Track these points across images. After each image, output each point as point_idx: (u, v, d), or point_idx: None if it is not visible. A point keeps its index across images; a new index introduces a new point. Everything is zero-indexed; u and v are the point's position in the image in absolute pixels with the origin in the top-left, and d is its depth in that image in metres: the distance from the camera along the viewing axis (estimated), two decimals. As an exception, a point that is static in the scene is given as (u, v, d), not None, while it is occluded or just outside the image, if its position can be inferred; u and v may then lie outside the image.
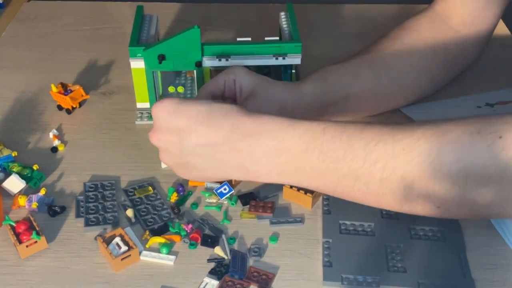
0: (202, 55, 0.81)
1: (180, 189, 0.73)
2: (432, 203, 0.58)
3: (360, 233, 0.68)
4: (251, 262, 0.65)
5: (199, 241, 0.67)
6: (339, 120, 0.78)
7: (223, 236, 0.67)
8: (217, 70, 0.86)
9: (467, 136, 0.56)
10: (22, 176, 0.73)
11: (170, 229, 0.68)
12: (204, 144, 0.62)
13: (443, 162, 0.56)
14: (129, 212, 0.70)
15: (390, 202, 0.60)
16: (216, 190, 0.72)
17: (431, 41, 0.83)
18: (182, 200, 0.72)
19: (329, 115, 0.78)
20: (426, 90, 0.86)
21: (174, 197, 0.72)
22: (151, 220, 0.70)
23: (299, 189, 0.71)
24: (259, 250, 0.66)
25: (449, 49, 0.84)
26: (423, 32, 0.83)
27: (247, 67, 0.86)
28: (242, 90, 0.72)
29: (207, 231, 0.68)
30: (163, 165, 0.77)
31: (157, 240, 0.67)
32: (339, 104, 0.78)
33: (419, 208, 0.59)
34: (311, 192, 0.70)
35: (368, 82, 0.79)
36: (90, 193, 0.73)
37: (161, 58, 0.80)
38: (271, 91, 0.72)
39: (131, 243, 0.65)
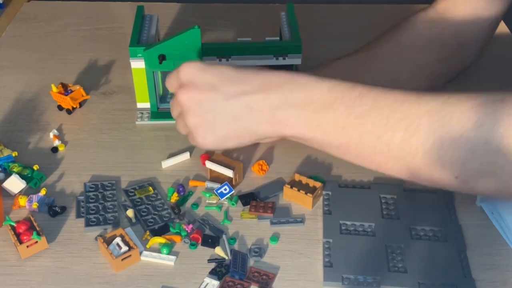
0: (202, 55, 0.81)
1: (181, 189, 0.73)
2: (451, 171, 0.57)
3: (361, 233, 0.68)
4: (251, 262, 0.65)
5: (200, 241, 0.67)
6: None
7: (224, 236, 0.67)
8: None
9: (490, 103, 0.55)
10: (23, 176, 0.73)
11: (171, 229, 0.68)
12: (236, 94, 0.64)
13: (464, 128, 0.55)
14: (130, 213, 0.70)
15: (409, 167, 0.59)
16: (217, 190, 0.72)
17: (429, 39, 0.83)
18: (182, 200, 0.72)
19: None
20: (424, 89, 0.85)
21: (174, 197, 0.72)
22: (152, 220, 0.70)
23: (299, 189, 0.71)
24: (259, 250, 0.66)
25: (448, 47, 0.84)
26: (421, 30, 0.83)
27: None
28: None
29: (207, 231, 0.68)
30: (164, 165, 0.77)
31: (158, 240, 0.67)
32: None
33: (437, 177, 0.59)
34: (312, 192, 0.70)
35: (363, 79, 0.79)
36: (91, 193, 0.73)
37: (162, 58, 0.80)
38: None
39: (131, 243, 0.65)
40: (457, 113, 0.56)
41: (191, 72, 0.65)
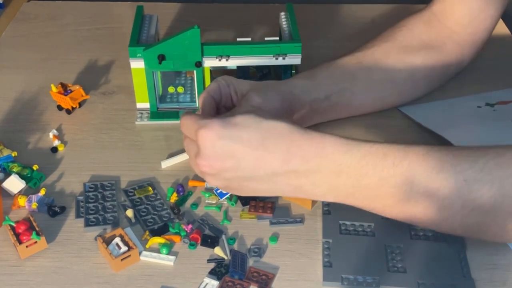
0: (202, 55, 0.81)
1: (180, 189, 0.73)
2: (491, 233, 0.60)
3: (360, 233, 0.68)
4: (251, 262, 0.65)
5: (199, 241, 0.67)
6: (331, 117, 0.80)
7: (223, 236, 0.67)
8: (217, 70, 0.86)
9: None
10: (22, 176, 0.73)
11: (170, 229, 0.68)
12: (261, 169, 0.60)
13: (506, 194, 0.57)
14: (129, 213, 0.70)
15: (447, 229, 0.62)
16: (216, 191, 0.72)
17: (425, 39, 0.83)
18: (182, 200, 0.72)
19: (322, 110, 0.78)
20: (421, 89, 0.86)
21: (174, 197, 0.72)
22: (151, 220, 0.70)
23: None
24: (259, 251, 0.66)
25: (444, 48, 0.84)
26: (417, 30, 0.84)
27: (247, 67, 0.86)
28: (237, 91, 0.71)
29: (207, 231, 0.68)
30: (163, 165, 0.77)
31: (157, 240, 0.67)
32: (331, 99, 0.78)
33: (475, 235, 0.62)
34: None
35: (360, 77, 0.80)
36: (90, 193, 0.73)
37: (161, 58, 0.80)
38: (266, 91, 0.72)
39: (131, 244, 0.65)
40: (497, 182, 0.57)
41: (208, 140, 0.60)
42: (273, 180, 0.61)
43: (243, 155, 0.60)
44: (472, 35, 0.84)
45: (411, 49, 0.82)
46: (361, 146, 0.60)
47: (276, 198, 0.72)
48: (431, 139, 0.79)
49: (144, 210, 0.71)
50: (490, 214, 0.58)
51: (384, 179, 0.59)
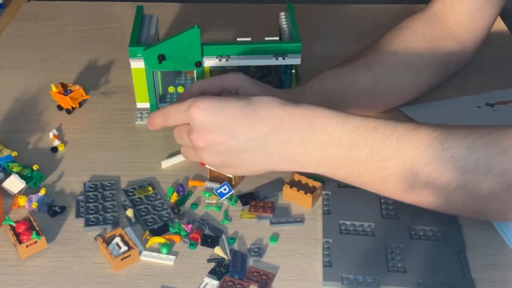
0: (202, 55, 0.81)
1: (180, 189, 0.73)
2: (472, 209, 0.61)
3: (360, 233, 0.68)
4: (251, 262, 0.65)
5: (199, 241, 0.67)
6: None
7: (223, 236, 0.67)
8: (217, 70, 0.86)
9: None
10: (22, 176, 0.73)
11: (170, 229, 0.68)
12: (253, 138, 0.62)
13: (490, 172, 0.58)
14: (129, 212, 0.70)
15: (431, 203, 0.62)
16: (216, 190, 0.72)
17: (428, 39, 0.83)
18: (182, 200, 0.72)
19: None
20: (424, 89, 0.86)
21: (174, 197, 0.72)
22: (151, 220, 0.70)
23: (299, 189, 0.71)
24: (259, 250, 0.66)
25: (446, 47, 0.84)
26: (419, 31, 0.84)
27: (247, 67, 0.86)
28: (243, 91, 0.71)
29: (207, 231, 0.68)
30: (163, 165, 0.77)
31: (157, 240, 0.67)
32: (338, 107, 0.78)
33: (458, 211, 0.64)
34: (311, 192, 0.70)
35: (367, 84, 0.80)
36: (90, 193, 0.73)
37: (161, 58, 0.80)
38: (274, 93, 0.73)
39: (131, 243, 0.65)
40: (482, 159, 0.58)
41: (200, 114, 0.62)
42: (266, 149, 0.62)
43: (235, 125, 0.62)
44: (472, 33, 0.85)
45: (415, 50, 0.82)
46: (353, 118, 0.62)
47: (276, 197, 0.72)
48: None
49: (144, 210, 0.71)
50: (473, 192, 0.59)
51: (374, 152, 0.61)
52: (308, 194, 0.70)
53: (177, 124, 0.66)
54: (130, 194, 0.73)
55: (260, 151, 0.63)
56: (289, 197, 0.72)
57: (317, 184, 0.72)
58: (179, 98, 0.71)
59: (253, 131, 0.62)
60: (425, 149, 0.59)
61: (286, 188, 0.72)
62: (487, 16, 0.84)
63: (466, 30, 0.84)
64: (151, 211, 0.71)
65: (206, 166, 0.74)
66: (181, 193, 0.73)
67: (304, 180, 0.73)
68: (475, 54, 0.88)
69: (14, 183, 0.72)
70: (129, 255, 0.64)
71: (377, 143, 0.61)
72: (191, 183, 0.75)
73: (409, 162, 0.60)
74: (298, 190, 0.71)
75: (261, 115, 0.62)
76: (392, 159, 0.60)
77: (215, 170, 0.69)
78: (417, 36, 0.83)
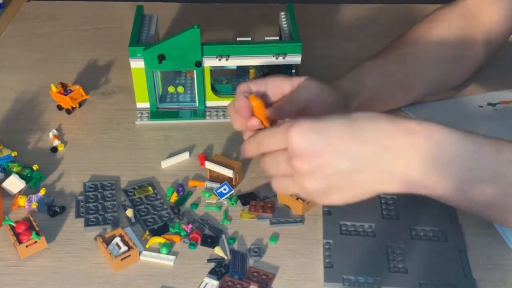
0: (202, 55, 0.81)
1: (180, 189, 0.73)
2: None
3: (361, 233, 0.68)
4: (251, 262, 0.65)
5: (199, 241, 0.67)
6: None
7: (223, 236, 0.67)
8: (217, 70, 0.86)
9: None
10: (22, 176, 0.73)
11: (170, 229, 0.68)
12: (364, 156, 0.56)
13: None
14: (129, 212, 0.70)
15: None
16: (216, 190, 0.72)
17: (460, 33, 0.84)
18: (182, 200, 0.72)
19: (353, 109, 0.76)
20: (453, 82, 0.87)
21: (174, 197, 0.72)
22: (151, 220, 0.69)
23: (291, 194, 0.70)
24: (259, 250, 0.66)
25: (476, 43, 0.85)
26: (453, 25, 0.84)
27: (247, 67, 0.86)
28: (308, 103, 0.66)
29: (207, 231, 0.68)
30: (163, 165, 0.77)
31: (157, 240, 0.66)
32: (375, 100, 0.78)
33: None
34: (303, 198, 0.69)
35: (403, 77, 0.80)
36: (90, 193, 0.73)
37: (161, 58, 0.80)
38: (325, 97, 0.69)
39: (131, 243, 0.64)
40: None
41: (301, 138, 0.56)
42: (377, 168, 0.56)
43: (343, 144, 0.56)
44: (501, 32, 0.85)
45: (448, 44, 0.83)
46: (473, 136, 0.56)
47: (276, 198, 0.72)
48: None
49: (144, 210, 0.71)
50: None
51: (498, 175, 0.56)
52: (299, 200, 0.69)
53: (272, 150, 0.60)
54: (130, 194, 0.73)
55: (372, 171, 0.56)
56: (283, 200, 0.72)
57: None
58: (231, 106, 0.66)
59: (363, 149, 0.56)
60: None
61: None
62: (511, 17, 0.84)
63: (496, 28, 0.84)
64: (151, 211, 0.71)
65: (206, 166, 0.74)
66: (181, 193, 0.73)
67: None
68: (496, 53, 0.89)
69: (14, 183, 0.72)
70: (129, 255, 0.64)
71: (501, 166, 0.55)
72: (191, 183, 0.74)
73: None
74: (291, 195, 0.70)
75: (370, 131, 0.56)
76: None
77: (315, 201, 0.62)
78: (450, 30, 0.83)
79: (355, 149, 0.56)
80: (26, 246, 0.64)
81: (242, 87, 0.65)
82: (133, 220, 0.69)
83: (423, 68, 0.82)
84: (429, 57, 0.82)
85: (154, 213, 0.70)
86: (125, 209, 0.71)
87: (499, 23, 0.84)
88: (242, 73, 0.88)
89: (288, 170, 0.58)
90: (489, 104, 0.86)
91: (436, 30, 0.83)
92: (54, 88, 0.86)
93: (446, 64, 0.83)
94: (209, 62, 0.82)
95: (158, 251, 0.66)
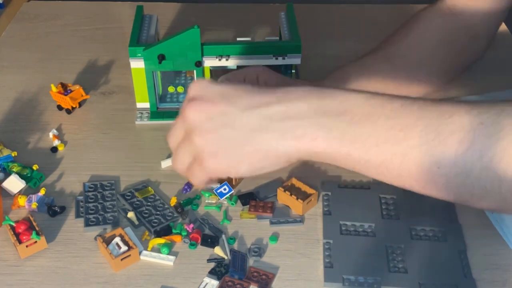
0: (202, 55, 0.81)
1: (186, 187, 0.73)
2: (500, 193, 0.51)
3: (361, 233, 0.68)
4: (251, 262, 0.65)
5: (199, 241, 0.67)
6: None
7: (223, 236, 0.67)
8: (217, 70, 0.86)
9: None
10: (22, 176, 0.73)
11: (173, 230, 0.68)
12: (256, 105, 0.54)
13: None
14: (131, 215, 0.70)
15: (464, 187, 0.52)
16: (216, 190, 0.72)
17: (443, 31, 0.84)
18: (188, 202, 0.71)
19: None
20: (439, 82, 0.86)
21: (173, 201, 0.71)
22: (156, 221, 0.69)
23: (292, 193, 0.70)
24: (259, 250, 0.66)
25: (459, 41, 0.84)
26: (434, 23, 0.84)
27: (247, 67, 0.86)
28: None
29: (207, 231, 0.68)
30: (163, 165, 0.77)
31: (158, 241, 0.66)
32: None
33: (488, 202, 0.53)
34: (303, 198, 0.70)
35: (387, 76, 0.80)
36: (90, 193, 0.73)
37: (161, 58, 0.80)
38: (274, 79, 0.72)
39: (131, 243, 0.64)
40: None
41: (202, 87, 0.56)
42: (268, 125, 0.54)
43: (235, 95, 0.55)
44: (485, 27, 0.85)
45: (431, 41, 0.83)
46: (365, 91, 0.55)
47: (276, 197, 0.72)
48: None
49: (146, 211, 0.71)
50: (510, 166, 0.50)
51: (393, 119, 0.53)
52: (299, 200, 0.69)
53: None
54: (128, 197, 0.72)
55: (260, 119, 0.54)
56: (283, 200, 0.72)
57: (312, 191, 0.71)
58: None
59: (253, 100, 0.55)
60: (450, 117, 0.51)
61: (280, 191, 0.71)
62: (499, 10, 0.83)
63: (480, 24, 0.84)
64: (153, 212, 0.70)
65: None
66: (188, 190, 0.73)
67: (300, 185, 0.72)
68: (488, 48, 0.88)
69: (14, 183, 0.72)
70: (129, 255, 0.64)
71: (396, 110, 0.53)
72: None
73: (433, 131, 0.51)
74: (291, 195, 0.70)
75: (265, 89, 0.56)
76: (414, 126, 0.52)
77: (204, 165, 0.57)
78: (432, 28, 0.84)
79: (247, 98, 0.55)
80: (26, 246, 0.64)
81: (221, 80, 0.67)
82: (136, 222, 0.69)
83: (407, 67, 0.82)
84: (411, 56, 0.82)
85: (157, 213, 0.70)
86: (126, 213, 0.70)
87: (483, 18, 0.84)
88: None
89: (181, 130, 0.58)
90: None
91: (417, 29, 0.83)
92: (54, 88, 0.86)
93: (430, 63, 0.83)
94: (209, 62, 0.83)
95: (158, 251, 0.66)
